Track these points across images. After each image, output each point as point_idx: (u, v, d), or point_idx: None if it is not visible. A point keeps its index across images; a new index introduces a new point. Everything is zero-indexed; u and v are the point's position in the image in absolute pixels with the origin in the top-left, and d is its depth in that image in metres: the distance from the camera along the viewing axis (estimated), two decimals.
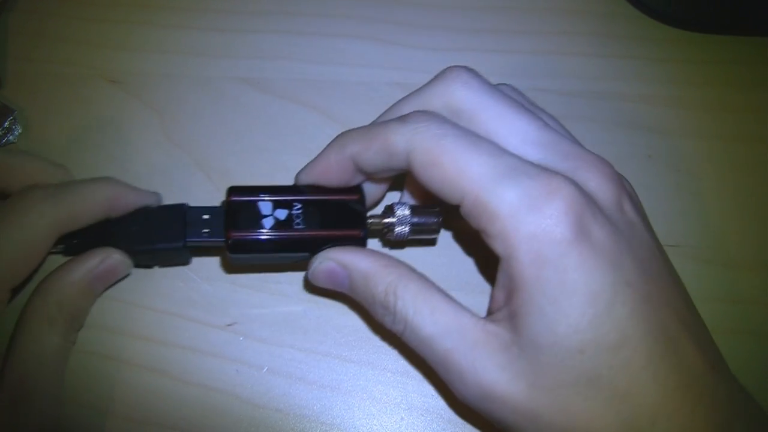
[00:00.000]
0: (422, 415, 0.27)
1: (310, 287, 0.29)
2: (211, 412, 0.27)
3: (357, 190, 0.26)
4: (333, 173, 0.25)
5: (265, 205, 0.25)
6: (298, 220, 0.25)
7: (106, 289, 0.27)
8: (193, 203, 0.27)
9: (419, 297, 0.22)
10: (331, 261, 0.24)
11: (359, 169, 0.24)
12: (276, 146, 0.31)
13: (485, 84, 0.23)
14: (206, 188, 0.30)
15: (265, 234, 0.24)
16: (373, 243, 0.29)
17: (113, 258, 0.25)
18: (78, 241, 0.26)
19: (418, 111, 0.22)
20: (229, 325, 0.28)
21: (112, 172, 0.30)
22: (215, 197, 0.30)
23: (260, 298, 0.28)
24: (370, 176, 0.25)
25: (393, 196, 0.30)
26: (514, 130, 0.22)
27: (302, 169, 0.26)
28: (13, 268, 0.24)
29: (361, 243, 0.25)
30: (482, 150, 0.20)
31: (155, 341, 0.28)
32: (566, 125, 0.30)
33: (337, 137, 0.25)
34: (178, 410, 0.27)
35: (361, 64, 0.33)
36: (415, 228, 0.26)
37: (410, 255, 0.29)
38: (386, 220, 0.26)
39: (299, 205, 0.25)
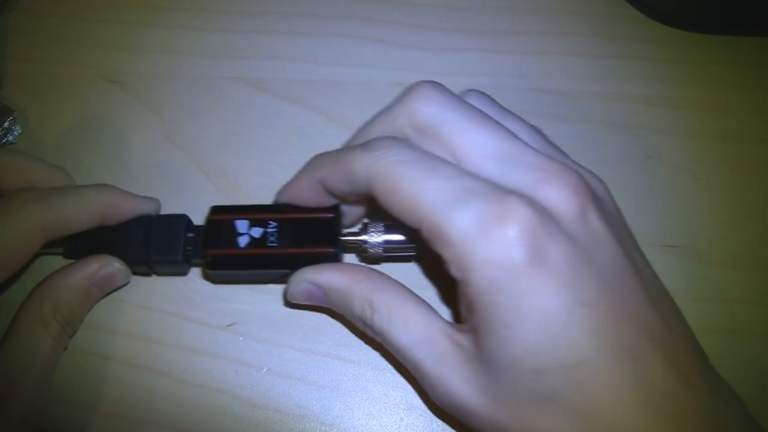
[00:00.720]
0: (422, 416, 0.27)
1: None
2: (210, 413, 0.27)
3: (334, 208, 0.26)
4: (305, 195, 0.25)
5: (241, 224, 0.26)
6: (272, 238, 0.25)
7: (104, 296, 0.27)
8: (192, 203, 0.28)
9: (394, 308, 0.23)
10: (306, 282, 0.24)
11: (329, 193, 0.24)
12: (275, 146, 0.31)
13: (448, 97, 0.22)
14: (205, 189, 0.30)
15: (239, 251, 0.25)
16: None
17: (112, 266, 0.26)
18: (77, 245, 0.26)
19: (381, 137, 0.22)
20: (228, 325, 0.28)
21: (111, 173, 0.30)
22: (215, 198, 0.30)
23: (260, 298, 0.28)
24: (342, 199, 0.25)
25: None
26: (476, 146, 0.21)
27: (279, 190, 0.26)
28: None
29: (334, 260, 0.25)
30: (438, 174, 0.20)
31: (155, 341, 0.28)
32: (566, 126, 0.30)
33: (310, 160, 0.25)
34: (177, 410, 0.27)
35: (361, 65, 0.33)
36: (389, 247, 0.26)
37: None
38: (360, 238, 0.26)
39: (274, 224, 0.26)
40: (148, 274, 0.28)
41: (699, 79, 0.33)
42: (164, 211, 0.28)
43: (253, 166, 0.31)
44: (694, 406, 0.20)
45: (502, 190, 0.20)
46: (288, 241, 0.25)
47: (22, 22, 0.33)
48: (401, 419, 0.27)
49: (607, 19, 0.35)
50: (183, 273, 0.28)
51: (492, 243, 0.19)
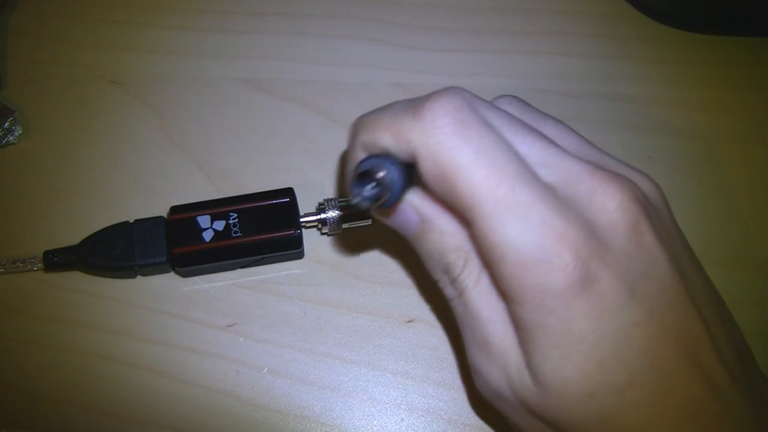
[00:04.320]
0: (422, 416, 0.27)
1: (311, 288, 0.29)
2: (211, 413, 0.27)
3: (288, 191, 0.28)
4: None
5: (203, 219, 0.27)
6: (235, 229, 0.27)
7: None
8: None
9: (483, 274, 0.21)
10: (409, 205, 0.22)
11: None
12: (276, 147, 0.31)
13: (480, 105, 0.20)
14: (207, 189, 0.30)
15: (206, 246, 0.27)
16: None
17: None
18: (59, 258, 0.27)
19: (438, 99, 0.19)
20: (229, 325, 0.28)
21: (112, 173, 0.30)
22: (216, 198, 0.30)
23: (260, 298, 0.28)
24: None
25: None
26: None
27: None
28: None
29: (296, 242, 0.27)
30: (503, 176, 0.19)
31: (155, 342, 0.28)
32: None
33: (353, 126, 0.22)
34: (178, 411, 0.27)
35: (362, 65, 0.33)
36: (346, 219, 0.28)
37: (411, 253, 0.29)
38: (318, 217, 0.28)
39: (235, 215, 0.27)
40: (132, 276, 0.28)
41: (699, 79, 0.33)
42: (164, 213, 0.29)
43: (255, 166, 0.31)
44: (738, 414, 0.20)
45: (559, 210, 0.19)
46: (251, 229, 0.27)
47: (23, 22, 0.33)
48: (401, 420, 0.27)
49: (607, 19, 0.35)
50: (167, 270, 0.29)
51: (547, 269, 0.18)
